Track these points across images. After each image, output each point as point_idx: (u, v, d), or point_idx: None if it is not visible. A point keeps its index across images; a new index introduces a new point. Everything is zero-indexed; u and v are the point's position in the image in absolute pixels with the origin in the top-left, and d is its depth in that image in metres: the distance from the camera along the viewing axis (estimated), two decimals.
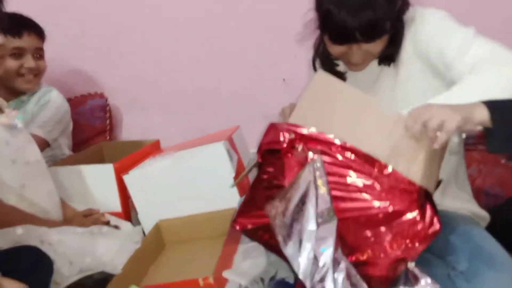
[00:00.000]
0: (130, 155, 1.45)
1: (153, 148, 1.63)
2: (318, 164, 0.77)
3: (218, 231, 1.24)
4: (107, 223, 1.23)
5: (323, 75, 0.87)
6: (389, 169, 0.78)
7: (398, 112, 0.83)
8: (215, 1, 1.81)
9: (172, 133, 1.94)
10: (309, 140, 0.81)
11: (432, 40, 0.98)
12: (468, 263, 0.87)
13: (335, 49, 1.01)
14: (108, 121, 1.85)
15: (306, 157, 0.80)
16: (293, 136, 0.81)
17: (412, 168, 0.78)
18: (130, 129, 1.99)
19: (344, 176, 0.79)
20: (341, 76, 1.10)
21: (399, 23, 1.01)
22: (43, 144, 1.50)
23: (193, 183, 1.31)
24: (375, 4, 0.93)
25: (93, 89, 1.92)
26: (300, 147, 0.81)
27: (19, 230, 1.02)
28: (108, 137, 1.84)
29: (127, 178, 1.33)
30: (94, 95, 1.88)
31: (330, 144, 0.80)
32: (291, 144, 0.81)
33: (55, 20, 1.77)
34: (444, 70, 0.97)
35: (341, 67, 1.12)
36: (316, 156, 0.78)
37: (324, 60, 1.12)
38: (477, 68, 0.90)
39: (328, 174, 0.78)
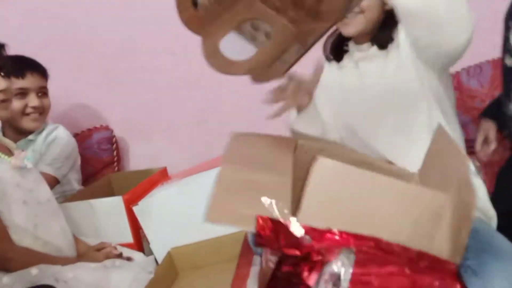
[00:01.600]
0: (138, 186, 1.47)
1: (161, 176, 1.65)
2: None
3: (230, 255, 1.24)
4: (120, 256, 1.25)
5: (324, 162, 0.75)
6: (415, 251, 0.72)
7: (416, 187, 0.80)
8: None
9: (178, 158, 1.95)
10: (327, 240, 0.71)
11: None
12: (476, 257, 0.88)
13: None
14: (115, 153, 1.88)
15: (324, 262, 0.71)
16: (310, 240, 0.71)
17: (436, 242, 0.72)
18: (137, 158, 2.01)
19: (368, 269, 0.72)
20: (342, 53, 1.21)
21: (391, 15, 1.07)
22: (53, 182, 1.52)
23: (201, 209, 1.31)
24: None
25: (98, 122, 1.95)
26: (319, 256, 0.71)
27: (34, 270, 1.03)
28: (116, 169, 1.87)
29: (137, 209, 1.35)
30: (99, 128, 1.91)
31: (349, 239, 0.72)
32: (310, 249, 0.71)
33: (53, 56, 1.81)
34: None
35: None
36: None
37: (335, 40, 1.21)
38: None
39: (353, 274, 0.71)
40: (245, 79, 1.97)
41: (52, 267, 1.06)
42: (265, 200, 0.72)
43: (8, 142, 1.24)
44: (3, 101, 1.13)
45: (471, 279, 0.84)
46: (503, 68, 1.03)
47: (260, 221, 0.70)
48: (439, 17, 0.92)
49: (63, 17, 1.92)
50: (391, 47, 1.13)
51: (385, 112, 1.11)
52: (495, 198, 1.09)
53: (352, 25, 1.12)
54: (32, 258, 1.08)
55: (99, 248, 1.25)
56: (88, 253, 1.23)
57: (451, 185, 0.73)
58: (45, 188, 1.21)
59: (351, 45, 1.20)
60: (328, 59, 1.23)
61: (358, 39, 1.17)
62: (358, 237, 0.70)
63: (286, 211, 0.71)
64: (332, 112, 1.19)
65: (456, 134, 1.12)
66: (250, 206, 0.71)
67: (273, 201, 0.71)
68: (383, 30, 1.13)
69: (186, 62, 1.88)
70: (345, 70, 1.21)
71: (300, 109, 1.13)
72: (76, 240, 1.26)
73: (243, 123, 1.91)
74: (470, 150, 1.35)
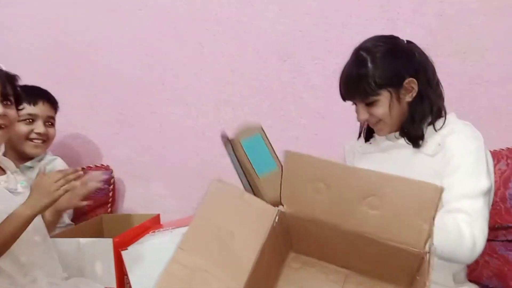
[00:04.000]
0: (129, 230, 1.46)
1: (153, 223, 1.64)
2: None
3: None
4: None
5: None
6: None
7: None
8: (220, 79, 1.90)
9: (172, 206, 1.96)
10: None
11: (456, 164, 1.10)
12: None
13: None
14: (111, 194, 1.88)
15: None
16: None
17: None
18: (131, 200, 2.02)
19: None
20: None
21: (416, 104, 1.16)
22: None
23: None
24: (360, 83, 1.14)
25: (99, 160, 1.98)
26: None
27: None
28: (109, 209, 1.87)
29: (125, 254, 1.33)
30: (100, 167, 1.93)
31: None
32: None
33: (68, 90, 1.87)
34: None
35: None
36: None
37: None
38: (453, 220, 1.04)
39: None
40: None
41: None
42: None
43: (6, 163, 1.25)
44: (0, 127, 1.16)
45: None
46: None
47: None
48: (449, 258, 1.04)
49: (83, 55, 1.99)
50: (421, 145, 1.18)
51: None
52: None
53: (380, 131, 1.22)
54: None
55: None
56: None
57: None
58: None
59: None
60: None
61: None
62: None
63: None
64: None
65: None
66: None
67: None
68: (411, 124, 1.17)
69: (197, 113, 1.93)
70: (371, 156, 1.28)
71: None
72: None
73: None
74: None
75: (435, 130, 1.16)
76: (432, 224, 0.74)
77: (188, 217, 1.62)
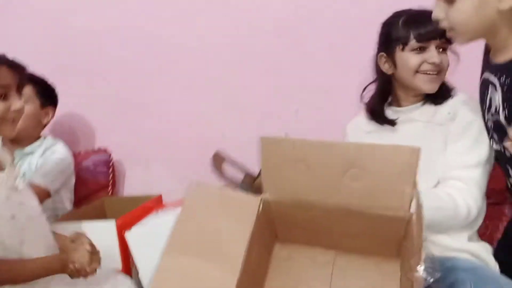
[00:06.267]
0: (132, 211, 1.45)
1: (155, 203, 1.63)
2: None
3: None
4: (95, 253, 1.18)
5: None
6: None
7: None
8: (219, 58, 1.87)
9: (174, 187, 1.93)
10: None
11: (461, 131, 1.11)
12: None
13: (414, 59, 1.13)
14: (111, 176, 1.87)
15: None
16: None
17: None
18: (133, 183, 2.00)
19: None
20: (389, 122, 1.22)
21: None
22: (44, 194, 1.50)
23: None
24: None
25: (98, 143, 1.96)
26: None
27: None
28: (110, 192, 1.85)
29: (129, 235, 1.32)
30: (98, 150, 1.90)
31: None
32: None
33: (63, 78, 1.84)
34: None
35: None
36: None
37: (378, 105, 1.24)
38: (453, 190, 1.06)
39: None
40: (248, 116, 1.99)
41: None
42: None
43: (4, 156, 1.22)
44: (14, 120, 1.13)
45: None
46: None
47: None
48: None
49: (82, 42, 1.96)
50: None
51: None
52: (503, 247, 1.14)
53: (437, 82, 1.16)
54: (17, 269, 1.06)
55: (74, 238, 1.20)
56: (64, 244, 1.18)
57: None
58: (35, 204, 1.18)
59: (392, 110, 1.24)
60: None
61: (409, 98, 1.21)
62: None
63: None
64: None
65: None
66: None
67: None
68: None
69: (194, 92, 1.91)
70: (378, 134, 1.24)
71: None
72: (57, 236, 1.22)
73: (245, 158, 1.91)
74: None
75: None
76: (414, 186, 0.74)
77: None
